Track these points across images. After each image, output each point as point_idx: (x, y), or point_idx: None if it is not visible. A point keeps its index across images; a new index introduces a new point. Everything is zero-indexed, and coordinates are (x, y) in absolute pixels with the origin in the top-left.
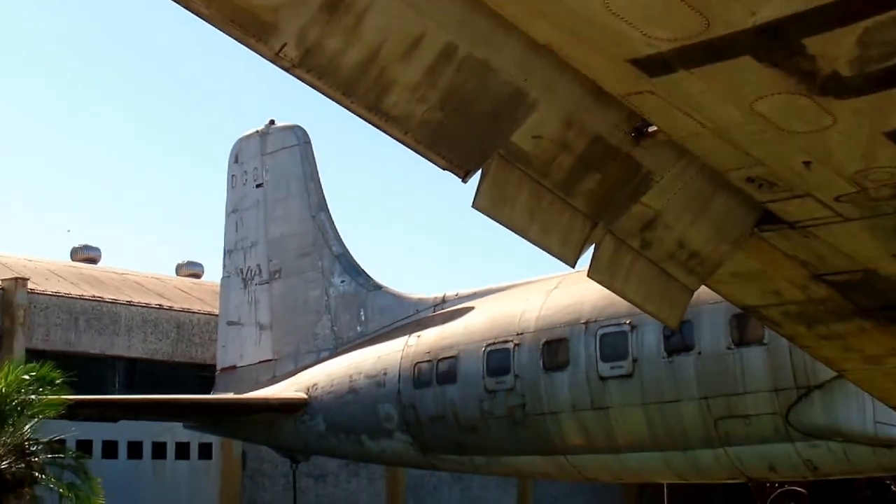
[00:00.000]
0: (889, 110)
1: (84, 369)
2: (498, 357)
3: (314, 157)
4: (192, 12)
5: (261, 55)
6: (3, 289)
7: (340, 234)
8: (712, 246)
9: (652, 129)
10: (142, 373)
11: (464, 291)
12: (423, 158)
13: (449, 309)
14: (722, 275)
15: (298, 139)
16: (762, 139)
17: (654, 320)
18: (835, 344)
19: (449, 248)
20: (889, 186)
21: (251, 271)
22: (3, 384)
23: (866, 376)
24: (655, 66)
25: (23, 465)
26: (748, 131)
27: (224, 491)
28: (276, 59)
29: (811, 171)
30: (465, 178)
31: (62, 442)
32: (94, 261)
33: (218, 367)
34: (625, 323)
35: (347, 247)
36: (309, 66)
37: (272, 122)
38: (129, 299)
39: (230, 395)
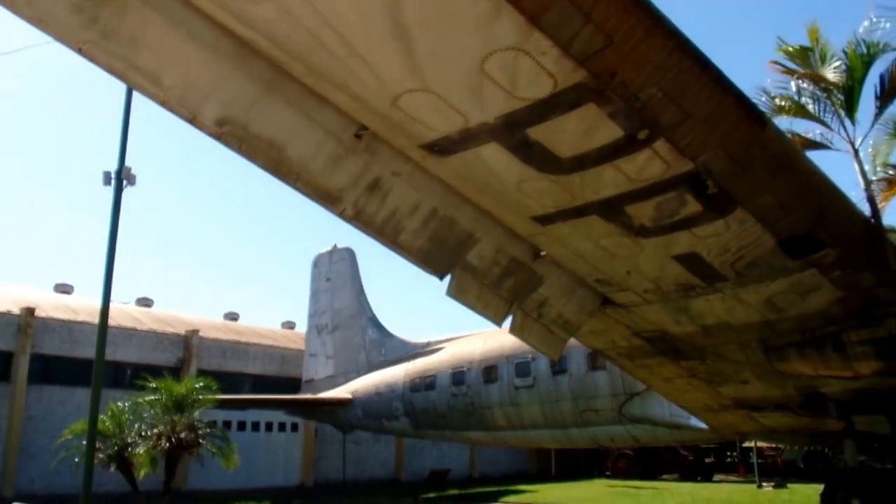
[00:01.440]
0: (672, 245)
1: (229, 381)
2: (458, 376)
3: (357, 264)
4: (290, 186)
5: (331, 212)
6: (186, 335)
7: (371, 304)
8: (577, 316)
9: (543, 253)
10: (261, 384)
11: (439, 338)
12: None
13: (431, 348)
14: (582, 331)
15: (350, 255)
16: (603, 259)
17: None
18: (646, 371)
19: (434, 310)
20: (674, 286)
21: (323, 326)
22: (185, 389)
23: (664, 389)
24: (545, 220)
25: (193, 435)
26: (595, 255)
27: (305, 450)
28: (340, 215)
29: (630, 276)
30: (441, 278)
31: (214, 422)
32: (236, 319)
33: (303, 380)
34: (529, 357)
35: (375, 312)
36: (358, 219)
37: (335, 245)
38: (254, 341)
39: (310, 396)
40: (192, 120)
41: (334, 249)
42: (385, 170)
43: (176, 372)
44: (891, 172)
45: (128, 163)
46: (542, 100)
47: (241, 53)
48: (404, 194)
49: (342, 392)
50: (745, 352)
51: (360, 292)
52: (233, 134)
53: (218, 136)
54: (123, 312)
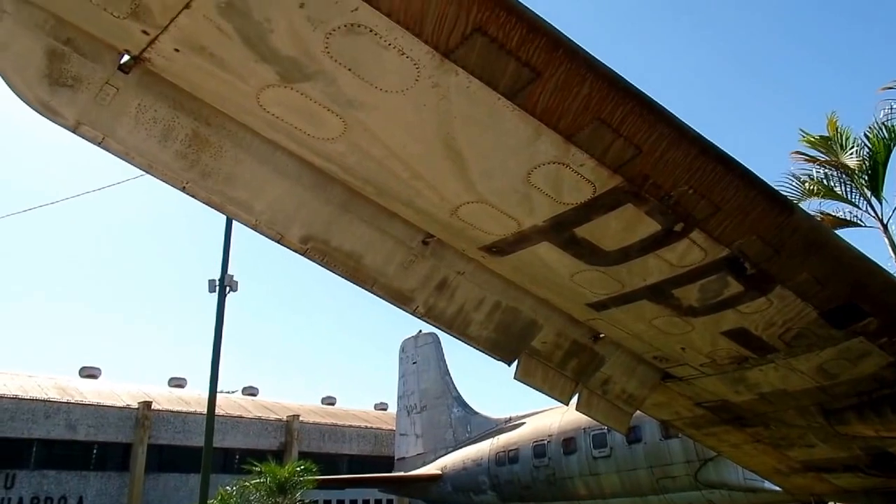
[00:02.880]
0: (721, 322)
1: (327, 462)
2: (539, 448)
3: (441, 347)
4: (367, 290)
5: (405, 311)
6: (288, 420)
7: (456, 383)
8: (639, 391)
9: (602, 335)
10: (356, 463)
11: (520, 413)
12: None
13: (512, 423)
14: (646, 405)
15: (434, 339)
16: (657, 338)
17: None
18: (713, 438)
19: (514, 386)
20: (728, 359)
21: (412, 407)
22: (287, 472)
23: (733, 455)
24: (599, 306)
25: None
26: (650, 335)
27: None
28: (413, 313)
29: (685, 352)
30: (509, 364)
31: (316, 502)
32: (332, 403)
33: (396, 458)
34: (605, 428)
35: (459, 391)
36: (430, 315)
37: (420, 331)
38: (350, 424)
39: (402, 473)
40: (280, 240)
41: (419, 335)
42: (450, 270)
43: (279, 455)
44: None
45: (231, 270)
46: (585, 203)
47: (319, 181)
48: (469, 291)
49: (432, 468)
50: (806, 416)
51: (444, 373)
52: (315, 249)
53: (303, 253)
54: (231, 402)
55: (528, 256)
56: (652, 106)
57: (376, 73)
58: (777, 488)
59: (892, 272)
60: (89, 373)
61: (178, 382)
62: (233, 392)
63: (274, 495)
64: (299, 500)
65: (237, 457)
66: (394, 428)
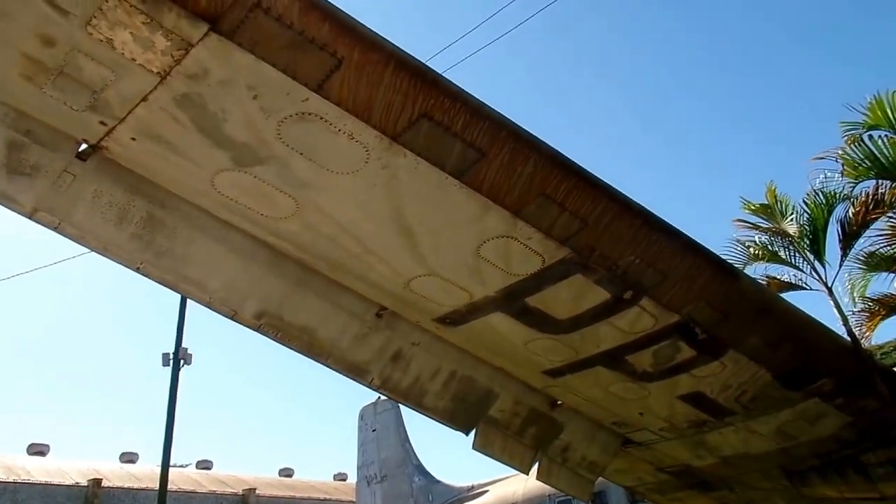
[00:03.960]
0: (676, 386)
1: None
2: None
3: (401, 414)
4: (322, 364)
5: (360, 383)
6: (244, 494)
7: (417, 451)
8: (600, 458)
9: (560, 402)
10: None
11: (483, 481)
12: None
13: (475, 492)
14: (609, 471)
15: (394, 406)
16: (615, 404)
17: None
18: (679, 503)
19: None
20: (687, 423)
21: (372, 477)
22: None
23: None
24: (555, 373)
25: None
26: (607, 401)
27: None
28: (368, 385)
29: (644, 417)
30: (466, 434)
31: None
32: (290, 475)
33: None
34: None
35: (420, 458)
36: (385, 387)
37: (379, 398)
38: (308, 496)
39: None
40: (234, 316)
41: (378, 402)
42: (405, 342)
43: None
44: (870, 304)
45: (185, 341)
46: (534, 274)
47: (273, 258)
48: (424, 361)
49: None
50: (770, 479)
51: (404, 441)
52: (269, 325)
53: (257, 328)
54: (184, 476)
55: (482, 326)
56: (594, 181)
57: (327, 156)
58: None
59: (839, 334)
60: (38, 450)
61: (129, 458)
62: (186, 466)
63: None
64: None
65: None
66: (354, 499)
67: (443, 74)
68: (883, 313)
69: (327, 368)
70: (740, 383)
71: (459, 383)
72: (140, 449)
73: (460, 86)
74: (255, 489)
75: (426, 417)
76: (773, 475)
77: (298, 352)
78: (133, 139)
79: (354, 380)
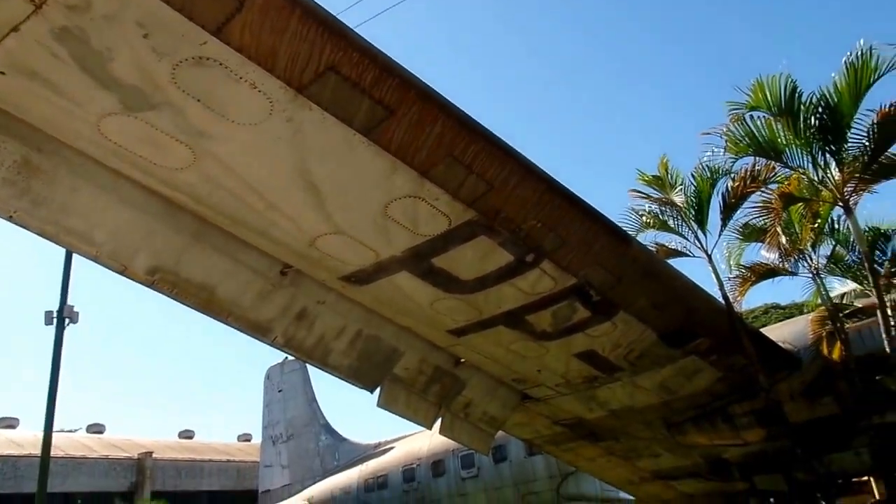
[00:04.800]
0: (572, 344)
1: (186, 500)
2: (409, 473)
3: (308, 374)
4: (222, 322)
5: (262, 341)
6: (139, 458)
7: (324, 411)
8: (500, 413)
9: (463, 360)
10: (218, 499)
11: (389, 438)
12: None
13: (382, 449)
14: (508, 425)
15: (301, 366)
16: (515, 361)
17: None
18: (571, 454)
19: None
20: (580, 379)
21: (278, 437)
22: None
23: (590, 468)
24: (459, 333)
25: None
26: (508, 359)
27: None
28: (271, 343)
29: (541, 374)
30: (371, 391)
31: None
32: (191, 437)
33: (260, 491)
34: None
35: (327, 418)
36: (289, 346)
37: (286, 358)
38: (210, 458)
39: None
40: (124, 271)
41: (285, 362)
42: (310, 300)
43: (130, 497)
44: (743, 271)
45: (71, 299)
46: (441, 235)
47: (168, 211)
48: (330, 320)
49: (299, 499)
50: (651, 429)
51: (311, 400)
52: (164, 280)
53: (150, 284)
54: (73, 441)
55: (388, 285)
56: (502, 145)
57: (227, 105)
58: (630, 497)
59: (716, 298)
60: None
61: (9, 423)
62: (75, 430)
63: None
64: None
65: (80, 501)
66: (258, 460)
67: (354, 29)
68: (753, 279)
69: (229, 327)
70: (629, 342)
71: (365, 342)
72: (21, 414)
73: (371, 41)
74: (151, 453)
75: (332, 376)
76: (654, 426)
77: (196, 309)
78: (2, 73)
79: (257, 338)
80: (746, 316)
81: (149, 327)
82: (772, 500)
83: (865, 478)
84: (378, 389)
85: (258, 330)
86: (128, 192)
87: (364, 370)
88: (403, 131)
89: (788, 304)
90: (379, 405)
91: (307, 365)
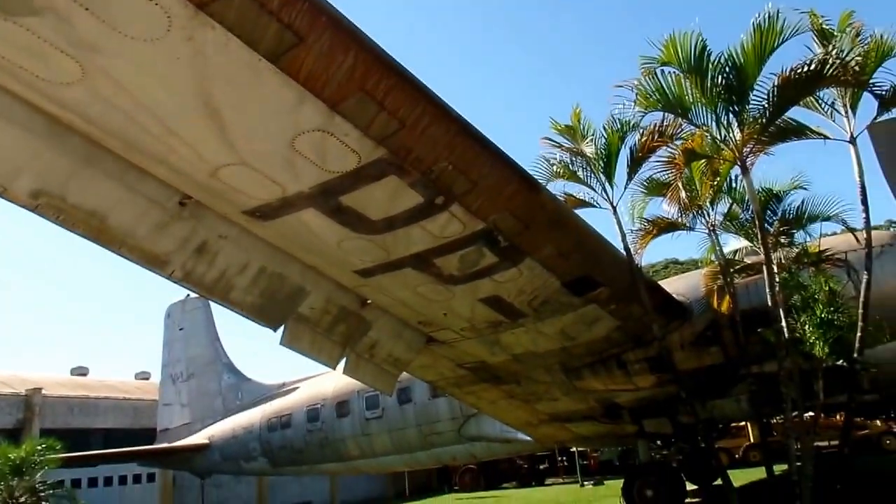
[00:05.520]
0: (478, 289)
1: (78, 439)
2: (313, 412)
3: (211, 312)
4: (114, 252)
5: (159, 275)
6: (27, 395)
7: (227, 350)
8: (405, 354)
9: (369, 301)
10: (113, 438)
11: (294, 379)
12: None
13: (286, 389)
14: (413, 367)
15: (203, 304)
16: (422, 304)
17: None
18: (473, 396)
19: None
20: (485, 323)
21: (178, 375)
22: (24, 452)
23: (491, 410)
24: (366, 273)
25: (35, 499)
26: (415, 301)
27: (163, 500)
28: (168, 277)
29: (447, 317)
30: (275, 329)
31: (61, 482)
32: (85, 374)
33: (158, 430)
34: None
35: (231, 358)
36: (188, 280)
37: (188, 295)
38: (105, 395)
39: (165, 445)
40: (3, 193)
41: (187, 299)
42: (211, 233)
43: (16, 434)
44: (645, 224)
45: None
46: (350, 172)
47: (54, 130)
48: (232, 255)
49: (199, 438)
50: (551, 374)
51: (214, 339)
52: (50, 205)
53: (33, 208)
54: None
55: (294, 222)
56: (415, 83)
57: (120, 16)
58: (528, 438)
59: (618, 249)
60: None
61: None
62: None
63: (6, 479)
64: (40, 482)
65: None
66: (157, 398)
67: None
68: (654, 232)
69: (126, 260)
70: (534, 289)
71: (269, 279)
72: None
73: None
74: (40, 389)
75: (235, 314)
76: (553, 371)
77: (87, 238)
78: None
79: (154, 271)
80: (648, 270)
81: (37, 256)
82: (658, 441)
83: (743, 423)
84: (282, 328)
85: (154, 262)
86: (8, 107)
87: (268, 308)
88: (313, 60)
89: (686, 261)
90: (282, 344)
91: (210, 303)
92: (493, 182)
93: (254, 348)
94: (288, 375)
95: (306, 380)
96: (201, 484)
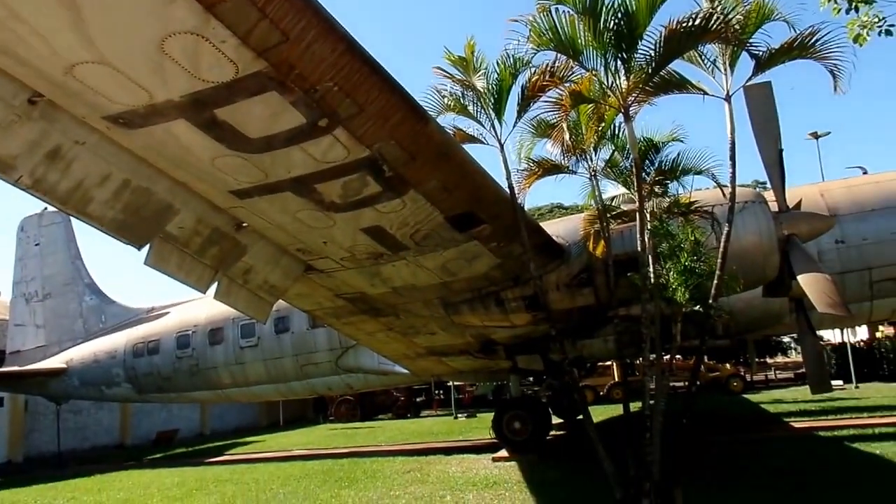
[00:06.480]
0: (360, 219)
1: None
2: (183, 339)
3: (72, 228)
4: None
5: (4, 181)
6: None
7: (91, 271)
8: (282, 282)
9: (245, 224)
10: None
11: (164, 304)
12: None
13: (155, 314)
14: (289, 295)
15: (64, 220)
16: (301, 231)
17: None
18: (351, 327)
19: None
20: (366, 254)
21: (32, 294)
22: None
23: (369, 342)
24: (242, 194)
25: None
26: (294, 227)
27: (12, 425)
28: (15, 183)
29: (327, 246)
30: (139, 248)
31: None
32: None
33: (8, 352)
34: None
35: (94, 278)
36: (37, 188)
37: (45, 209)
38: None
39: (16, 368)
40: None
41: (44, 213)
42: (66, 138)
43: None
44: (531, 165)
45: None
46: (226, 84)
47: None
48: (90, 164)
49: (55, 362)
50: (430, 308)
51: (75, 258)
52: None
53: None
54: None
55: (163, 134)
56: None
57: None
58: (405, 371)
59: (503, 187)
60: None
61: None
62: None
63: None
64: None
65: None
66: (6, 318)
67: None
68: (539, 173)
69: None
70: (416, 222)
71: (133, 194)
72: None
73: None
74: None
75: (91, 227)
76: (432, 305)
77: None
78: None
79: None
80: (534, 213)
81: None
82: (530, 378)
83: (610, 363)
84: (148, 247)
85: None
86: None
87: (131, 224)
88: None
89: (571, 206)
90: (147, 263)
91: (71, 219)
92: (381, 108)
93: (124, 271)
94: (159, 301)
95: (177, 305)
96: (57, 410)
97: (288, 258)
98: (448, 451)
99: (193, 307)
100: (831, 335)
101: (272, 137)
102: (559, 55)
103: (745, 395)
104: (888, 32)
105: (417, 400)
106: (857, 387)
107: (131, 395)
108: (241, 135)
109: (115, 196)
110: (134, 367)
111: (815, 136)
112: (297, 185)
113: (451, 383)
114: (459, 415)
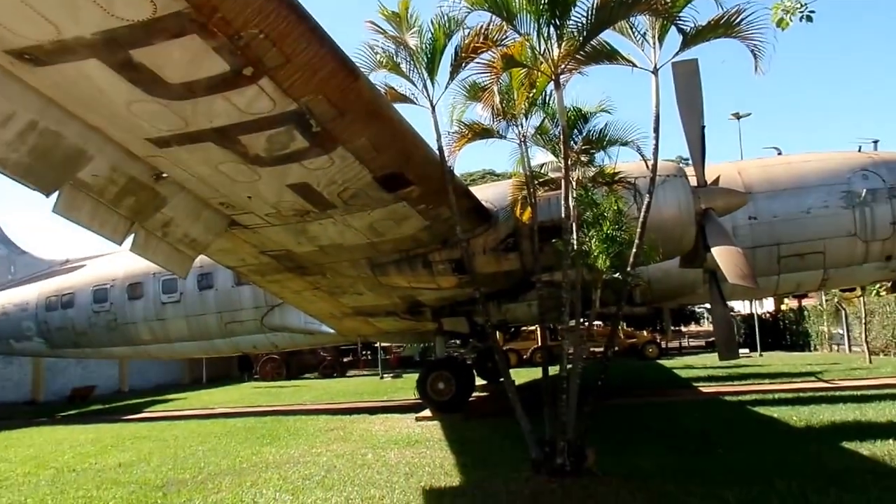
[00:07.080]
0: (287, 174)
1: None
2: (100, 293)
3: None
4: None
5: None
6: None
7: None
8: (203, 236)
9: (165, 174)
10: None
11: (80, 256)
12: None
13: (70, 266)
14: (212, 250)
15: None
16: (224, 184)
17: (192, 272)
18: (276, 285)
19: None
20: (292, 211)
21: None
22: None
23: (295, 301)
24: (161, 143)
25: None
26: (216, 180)
27: None
28: None
29: (252, 201)
30: (47, 195)
31: None
32: None
33: None
34: None
35: (2, 227)
36: None
37: None
38: None
39: None
40: None
41: None
42: None
43: None
44: (463, 128)
45: None
46: (143, 23)
47: None
48: None
49: None
50: (357, 268)
51: None
52: None
53: None
54: None
55: (74, 73)
56: None
57: None
58: (331, 330)
59: (433, 149)
60: None
61: None
62: None
63: None
64: None
65: None
66: None
67: None
68: (470, 136)
69: None
70: (344, 180)
71: (41, 137)
72: None
73: None
74: None
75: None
76: (359, 265)
77: None
78: None
79: None
80: (465, 178)
81: None
82: (456, 340)
83: (534, 327)
84: (57, 194)
85: None
86: None
87: (38, 169)
88: None
89: (503, 173)
90: (55, 212)
91: None
92: (309, 60)
93: (47, 225)
94: (75, 253)
95: (94, 258)
96: None
97: (210, 212)
98: (372, 411)
99: (111, 261)
100: (741, 306)
101: (193, 84)
102: (494, 17)
103: (660, 361)
104: (808, 18)
105: (344, 360)
106: (761, 355)
107: (43, 350)
108: (159, 79)
109: (19, 138)
110: (47, 320)
111: (738, 116)
112: (219, 136)
113: (378, 344)
114: (386, 375)
